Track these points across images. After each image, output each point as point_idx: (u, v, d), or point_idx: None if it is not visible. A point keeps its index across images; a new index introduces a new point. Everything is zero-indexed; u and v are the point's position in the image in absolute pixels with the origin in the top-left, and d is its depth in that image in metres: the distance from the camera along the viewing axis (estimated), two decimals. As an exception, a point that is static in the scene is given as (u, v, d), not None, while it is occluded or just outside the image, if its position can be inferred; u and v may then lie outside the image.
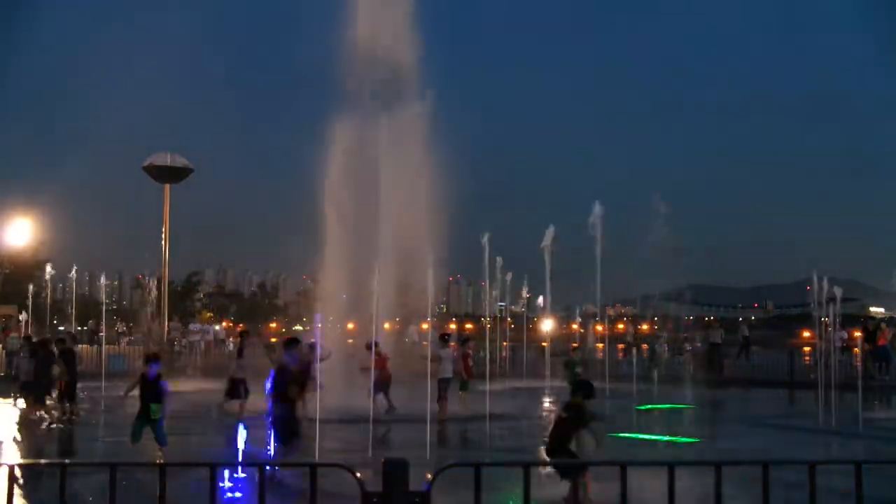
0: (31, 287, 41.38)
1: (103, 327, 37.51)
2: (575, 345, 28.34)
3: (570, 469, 9.26)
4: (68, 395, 19.87)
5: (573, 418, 10.04)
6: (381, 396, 19.73)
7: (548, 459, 10.50)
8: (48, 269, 42.28)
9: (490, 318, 40.60)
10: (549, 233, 26.87)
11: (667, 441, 16.61)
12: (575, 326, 45.30)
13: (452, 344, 24.52)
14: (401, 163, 25.78)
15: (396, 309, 28.05)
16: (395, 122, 26.16)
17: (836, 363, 32.38)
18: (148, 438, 13.02)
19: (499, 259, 32.63)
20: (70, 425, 18.92)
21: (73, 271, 36.86)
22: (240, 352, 21.18)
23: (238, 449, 11.58)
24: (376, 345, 20.62)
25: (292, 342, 14.35)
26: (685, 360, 34.46)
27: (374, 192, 25.90)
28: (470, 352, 23.09)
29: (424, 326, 27.07)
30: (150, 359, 13.84)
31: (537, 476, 10.10)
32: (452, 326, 56.75)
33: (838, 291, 23.81)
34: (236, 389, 19.82)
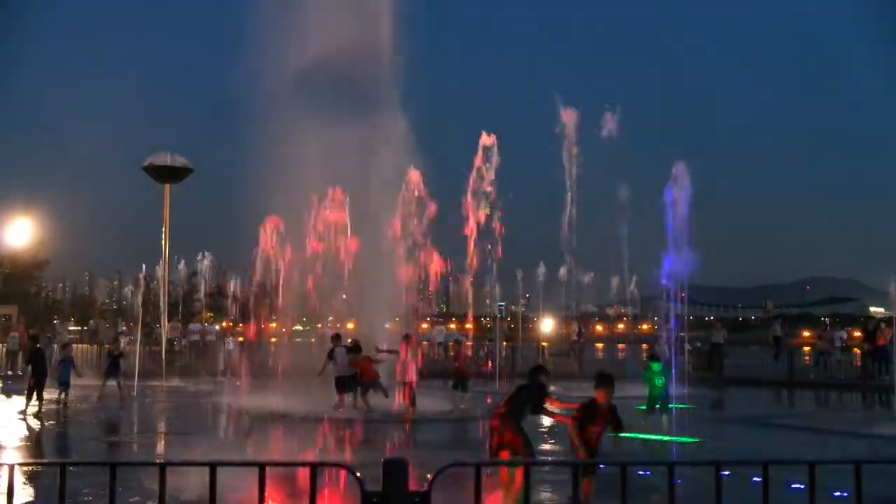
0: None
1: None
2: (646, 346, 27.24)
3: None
4: (36, 393, 20.20)
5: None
6: (364, 396, 19.96)
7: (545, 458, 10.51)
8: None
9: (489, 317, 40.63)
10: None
11: (667, 441, 16.61)
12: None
13: (450, 344, 24.62)
14: (398, 164, 25.86)
15: (396, 308, 28.09)
16: (392, 124, 26.25)
17: (836, 363, 32.48)
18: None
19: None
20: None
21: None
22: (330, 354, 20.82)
23: None
24: (358, 349, 20.83)
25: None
26: (685, 359, 34.49)
27: (372, 192, 25.99)
28: (461, 349, 23.14)
29: (424, 326, 27.10)
30: None
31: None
32: (452, 326, 56.75)
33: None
34: (345, 386, 20.16)
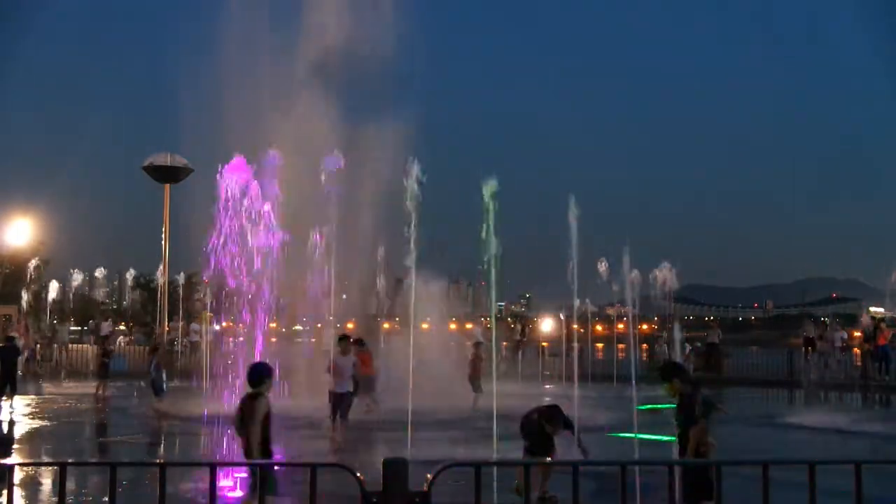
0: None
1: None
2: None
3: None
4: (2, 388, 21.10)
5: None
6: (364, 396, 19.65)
7: (544, 459, 10.56)
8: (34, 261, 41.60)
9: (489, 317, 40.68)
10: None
11: (667, 441, 16.58)
12: (575, 326, 45.26)
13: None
14: (397, 163, 25.83)
15: (394, 308, 28.08)
16: (390, 123, 26.27)
17: (836, 363, 32.46)
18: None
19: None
20: None
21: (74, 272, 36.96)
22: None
23: None
24: (362, 343, 20.54)
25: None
26: (685, 359, 34.48)
27: (371, 192, 26.00)
28: (480, 354, 23.16)
29: (424, 326, 27.08)
30: None
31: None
32: (452, 326, 56.67)
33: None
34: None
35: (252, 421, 7.97)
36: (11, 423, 19.41)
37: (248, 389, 8.39)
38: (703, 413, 8.43)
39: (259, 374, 8.38)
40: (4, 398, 21.26)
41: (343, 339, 17.60)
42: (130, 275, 58.70)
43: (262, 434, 7.97)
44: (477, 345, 23.63)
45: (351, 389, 16.45)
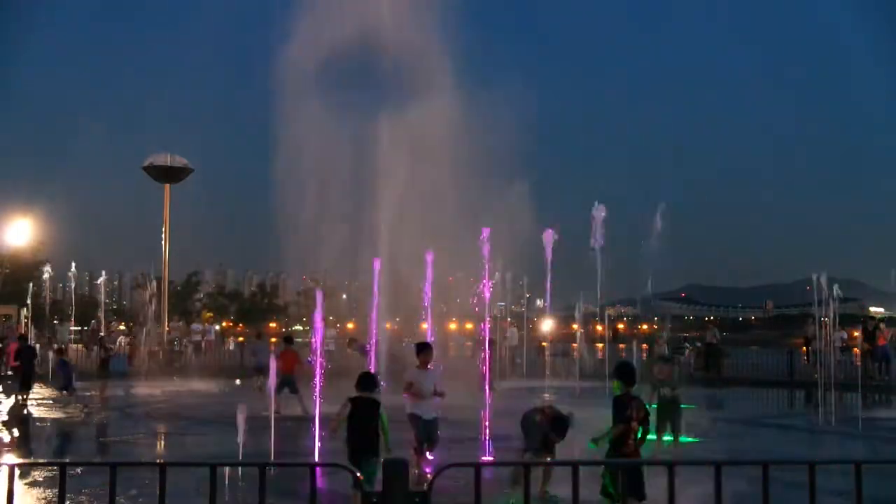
0: (31, 286, 41.06)
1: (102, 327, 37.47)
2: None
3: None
4: (23, 385, 22.24)
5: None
6: (285, 394, 19.33)
7: (548, 459, 10.55)
8: (47, 269, 42.28)
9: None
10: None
11: (665, 441, 16.58)
12: (575, 326, 45.33)
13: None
14: (398, 161, 25.82)
15: (396, 309, 28.06)
16: (393, 120, 26.23)
17: (836, 363, 32.41)
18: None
19: (498, 261, 32.55)
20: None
21: (73, 268, 37.15)
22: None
23: None
24: (289, 341, 22.03)
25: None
26: (686, 359, 34.47)
27: (372, 191, 26.01)
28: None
29: (424, 326, 27.06)
30: None
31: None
32: (452, 326, 56.66)
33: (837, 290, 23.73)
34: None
35: (379, 425, 8.84)
36: (21, 421, 19.54)
37: (361, 394, 9.19)
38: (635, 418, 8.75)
39: (375, 382, 9.60)
40: (23, 396, 21.87)
41: (424, 347, 12.97)
42: (130, 275, 58.96)
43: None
44: (491, 343, 23.71)
45: (437, 415, 12.51)
